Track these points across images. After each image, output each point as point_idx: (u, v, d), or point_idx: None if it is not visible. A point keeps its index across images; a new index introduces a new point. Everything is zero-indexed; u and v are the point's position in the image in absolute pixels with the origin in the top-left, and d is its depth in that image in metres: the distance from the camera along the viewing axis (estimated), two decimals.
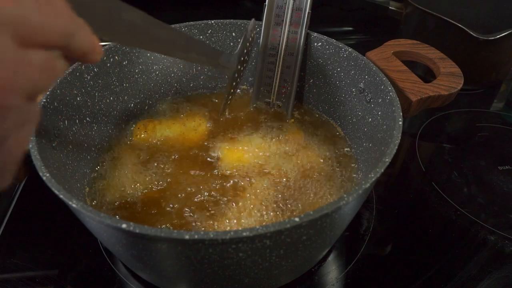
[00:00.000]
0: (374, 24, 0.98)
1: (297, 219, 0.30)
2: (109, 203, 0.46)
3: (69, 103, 0.46)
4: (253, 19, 0.51)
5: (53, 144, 0.42)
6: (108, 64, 0.52)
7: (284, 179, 0.49)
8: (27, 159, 0.38)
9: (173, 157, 0.52)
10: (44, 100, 0.42)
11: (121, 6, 0.29)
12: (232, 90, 0.50)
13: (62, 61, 0.23)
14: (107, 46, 0.52)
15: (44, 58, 0.21)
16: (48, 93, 0.43)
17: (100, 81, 0.52)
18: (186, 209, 0.45)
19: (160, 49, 0.35)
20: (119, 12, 0.29)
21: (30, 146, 0.37)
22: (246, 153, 0.53)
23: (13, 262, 0.48)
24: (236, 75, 0.48)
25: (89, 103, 0.50)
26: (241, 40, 0.48)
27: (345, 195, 0.32)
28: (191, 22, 0.58)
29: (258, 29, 0.58)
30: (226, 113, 0.53)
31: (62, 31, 0.22)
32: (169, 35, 0.34)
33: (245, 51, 0.48)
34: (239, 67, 0.47)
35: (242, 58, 0.48)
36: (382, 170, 0.35)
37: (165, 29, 0.33)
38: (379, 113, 0.48)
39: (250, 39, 0.49)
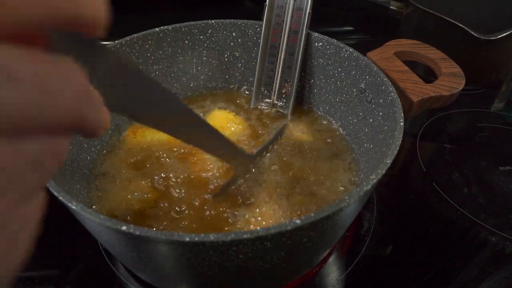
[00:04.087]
0: (374, 24, 0.98)
1: (298, 221, 0.30)
2: (109, 204, 0.46)
3: None
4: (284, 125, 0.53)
5: None
6: None
7: (284, 180, 0.49)
8: None
9: (173, 159, 0.52)
10: None
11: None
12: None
13: (65, 143, 0.16)
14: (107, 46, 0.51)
15: (41, 148, 0.14)
16: None
17: None
18: (189, 213, 0.45)
19: (181, 136, 0.31)
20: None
21: None
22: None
23: None
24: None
25: None
26: (266, 142, 0.50)
27: (346, 197, 0.32)
28: (191, 22, 0.58)
29: (259, 29, 0.58)
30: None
31: (69, 118, 0.15)
32: (194, 123, 0.31)
33: (265, 149, 0.49)
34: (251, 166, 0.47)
35: (258, 157, 0.48)
36: (384, 172, 0.35)
37: (195, 119, 0.31)
38: (380, 113, 0.47)
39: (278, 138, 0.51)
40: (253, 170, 0.49)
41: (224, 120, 0.57)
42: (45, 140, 0.14)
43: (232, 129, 0.56)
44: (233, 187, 0.47)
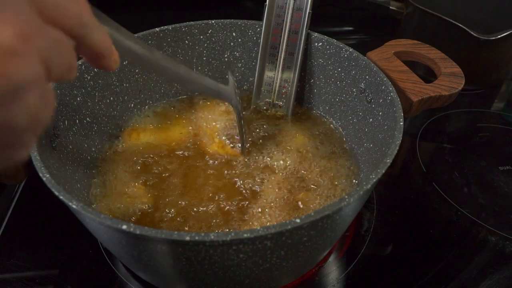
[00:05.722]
0: (374, 24, 0.98)
1: (298, 220, 0.30)
2: (108, 204, 0.46)
3: (69, 103, 0.46)
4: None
5: (53, 145, 0.42)
6: None
7: (284, 180, 0.49)
8: (27, 160, 0.37)
9: (173, 160, 0.52)
10: None
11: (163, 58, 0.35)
12: (242, 122, 0.51)
13: (75, 56, 0.23)
14: None
15: (61, 37, 0.21)
16: None
17: (100, 81, 0.51)
18: (191, 214, 0.45)
19: (177, 81, 0.41)
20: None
21: None
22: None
23: (13, 262, 0.48)
24: (239, 107, 0.51)
25: (89, 103, 0.50)
26: (229, 77, 0.51)
27: (346, 196, 0.32)
28: (191, 22, 0.58)
29: (259, 29, 0.58)
30: (247, 146, 0.53)
31: (78, 18, 0.22)
32: (184, 73, 0.39)
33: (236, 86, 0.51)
34: (237, 97, 0.50)
35: (235, 90, 0.50)
36: (383, 171, 0.35)
37: (182, 68, 0.39)
38: (380, 113, 0.47)
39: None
40: (239, 99, 0.50)
41: (216, 112, 0.57)
42: (62, 34, 0.21)
43: (226, 122, 0.56)
44: (244, 130, 0.51)
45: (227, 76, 0.50)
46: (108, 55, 0.26)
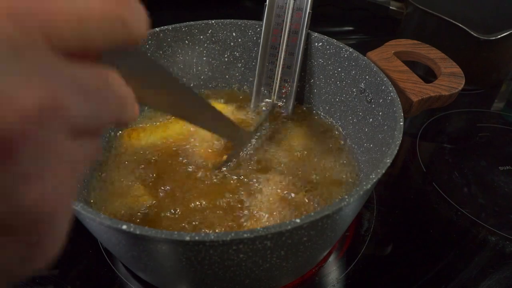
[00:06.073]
0: (374, 24, 0.98)
1: (298, 220, 0.30)
2: (108, 204, 0.46)
3: None
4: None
5: None
6: None
7: (284, 180, 0.49)
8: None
9: (173, 161, 0.52)
10: None
11: (184, 89, 0.28)
12: (239, 154, 0.51)
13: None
14: None
15: (93, 146, 0.17)
16: None
17: None
18: (191, 214, 0.45)
19: (192, 120, 0.35)
20: (179, 92, 0.28)
21: None
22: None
23: None
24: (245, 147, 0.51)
25: None
26: (259, 122, 0.51)
27: (346, 196, 0.32)
28: (191, 22, 0.58)
29: (259, 29, 0.58)
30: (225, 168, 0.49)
31: (113, 119, 0.18)
32: (203, 108, 0.34)
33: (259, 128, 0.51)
34: (251, 139, 0.50)
35: (256, 134, 0.50)
36: (383, 171, 0.35)
37: (204, 105, 0.34)
38: (380, 113, 0.47)
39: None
40: (250, 144, 0.50)
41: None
42: (93, 140, 0.17)
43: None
44: (234, 160, 0.50)
45: (227, 76, 0.50)
46: (131, 120, 0.20)
